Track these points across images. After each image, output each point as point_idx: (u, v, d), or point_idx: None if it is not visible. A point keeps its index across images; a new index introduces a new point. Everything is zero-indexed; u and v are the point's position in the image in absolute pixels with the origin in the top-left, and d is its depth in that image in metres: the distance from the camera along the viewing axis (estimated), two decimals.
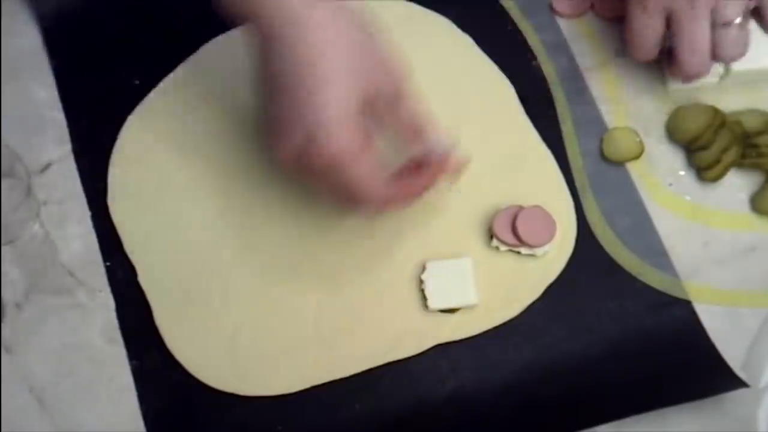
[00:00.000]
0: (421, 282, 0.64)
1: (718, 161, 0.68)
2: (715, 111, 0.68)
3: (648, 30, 0.66)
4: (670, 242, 0.66)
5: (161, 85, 0.71)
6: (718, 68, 0.70)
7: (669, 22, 0.65)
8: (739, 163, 0.68)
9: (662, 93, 0.71)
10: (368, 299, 0.65)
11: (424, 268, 0.64)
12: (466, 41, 0.73)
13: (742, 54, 0.66)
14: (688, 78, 0.66)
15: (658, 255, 0.66)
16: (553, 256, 0.65)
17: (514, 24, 0.74)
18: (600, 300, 0.65)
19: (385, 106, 0.57)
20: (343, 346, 0.63)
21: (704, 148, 0.68)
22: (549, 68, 0.72)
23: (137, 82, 0.71)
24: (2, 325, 0.64)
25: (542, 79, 0.72)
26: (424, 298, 0.64)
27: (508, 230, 0.65)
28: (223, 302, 0.65)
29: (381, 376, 0.63)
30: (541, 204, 0.65)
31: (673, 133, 0.70)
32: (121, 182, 0.68)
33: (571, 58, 0.72)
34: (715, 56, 0.66)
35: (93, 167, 0.69)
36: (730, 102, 0.70)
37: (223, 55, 0.72)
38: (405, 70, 0.58)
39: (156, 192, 0.68)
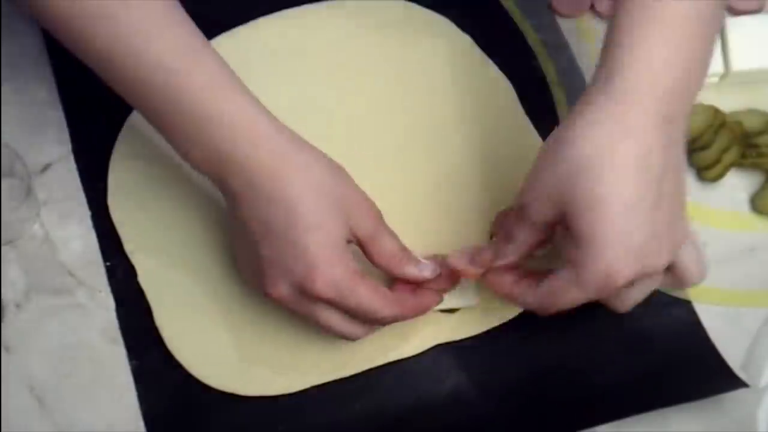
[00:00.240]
0: None
1: (718, 161, 0.68)
2: (715, 111, 0.69)
3: None
4: None
5: None
6: (718, 68, 0.70)
7: None
8: (739, 163, 0.68)
9: None
10: None
11: None
12: (466, 41, 0.73)
13: None
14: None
15: None
16: (554, 256, 0.65)
17: (514, 24, 0.74)
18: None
19: (363, 242, 0.58)
20: (343, 346, 0.63)
21: (704, 148, 0.68)
22: (549, 68, 0.72)
23: None
24: (2, 325, 0.64)
25: (542, 79, 0.72)
26: None
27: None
28: (224, 302, 0.65)
29: (381, 376, 0.63)
30: None
31: None
32: (121, 182, 0.68)
33: (571, 58, 0.72)
34: None
35: (93, 167, 0.69)
36: (730, 102, 0.70)
37: (223, 54, 0.72)
38: (377, 208, 0.59)
39: (156, 192, 0.68)
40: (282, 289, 0.56)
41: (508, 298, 0.59)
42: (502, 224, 0.61)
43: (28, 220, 0.66)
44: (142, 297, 0.64)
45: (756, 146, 0.68)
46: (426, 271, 0.60)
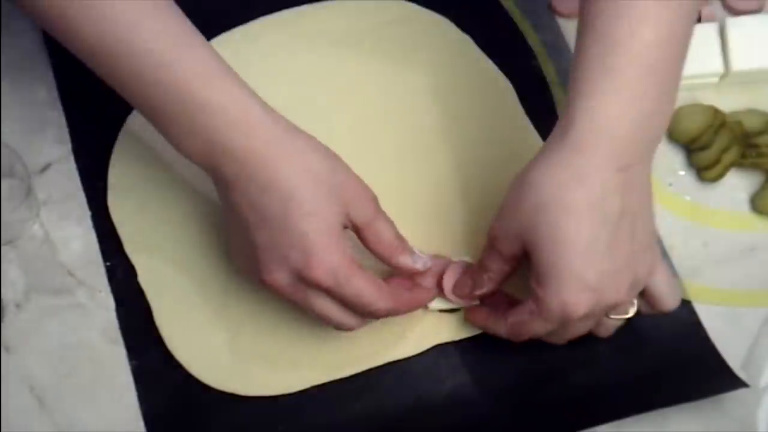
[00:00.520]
0: None
1: (718, 161, 0.68)
2: (715, 111, 0.69)
3: None
4: (670, 242, 0.66)
5: None
6: (718, 68, 0.70)
7: None
8: (739, 163, 0.68)
9: None
10: None
11: None
12: (466, 41, 0.73)
13: None
14: None
15: None
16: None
17: (514, 24, 0.74)
18: None
19: (360, 228, 0.58)
20: (343, 346, 0.63)
21: (704, 148, 0.68)
22: (549, 68, 0.72)
23: None
24: (2, 325, 0.64)
25: (542, 79, 0.72)
26: None
27: None
28: (223, 302, 0.65)
29: (381, 376, 0.63)
30: None
31: (673, 133, 0.70)
32: (121, 182, 0.68)
33: (571, 58, 0.72)
34: None
35: (93, 167, 0.69)
36: (730, 102, 0.70)
37: (223, 54, 0.72)
38: (373, 193, 0.59)
39: (156, 192, 0.68)
40: (278, 276, 0.56)
41: (484, 329, 0.63)
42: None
43: (28, 220, 0.66)
44: (142, 297, 0.64)
45: (756, 146, 0.68)
46: (419, 263, 0.60)
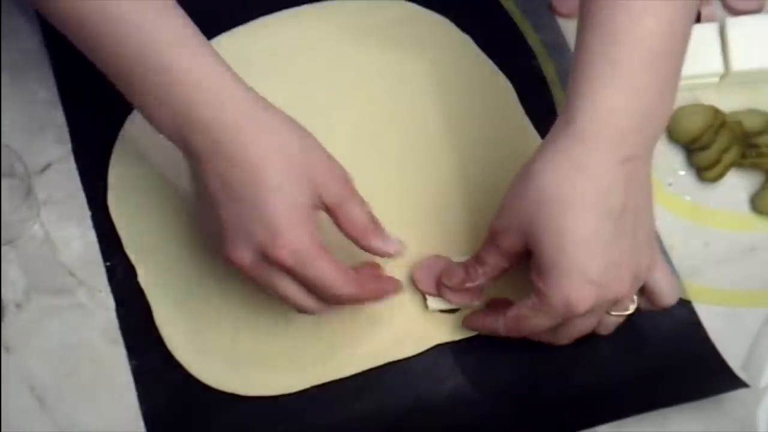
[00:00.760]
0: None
1: (718, 161, 0.68)
2: (715, 111, 0.69)
3: None
4: (670, 242, 0.66)
5: None
6: (718, 68, 0.70)
7: None
8: (739, 163, 0.68)
9: None
10: None
11: None
12: (466, 41, 0.73)
13: None
14: None
15: None
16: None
17: (514, 24, 0.74)
18: None
19: (332, 208, 0.57)
20: (343, 346, 0.63)
21: (704, 148, 0.68)
22: (549, 68, 0.72)
23: None
24: (2, 325, 0.64)
25: (542, 79, 0.72)
26: (424, 298, 0.64)
27: None
28: (223, 302, 0.65)
29: (381, 376, 0.63)
30: None
31: (673, 133, 0.70)
32: (121, 182, 0.68)
33: (571, 58, 0.72)
34: None
35: (93, 167, 0.69)
36: (730, 102, 0.70)
37: (223, 54, 0.72)
38: (347, 174, 0.59)
39: (156, 192, 0.68)
40: (242, 254, 0.55)
41: (481, 329, 0.62)
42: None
43: (28, 220, 0.66)
44: (142, 297, 0.64)
45: (756, 146, 0.68)
46: (391, 246, 0.59)
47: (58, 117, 0.70)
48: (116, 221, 0.67)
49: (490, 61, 0.72)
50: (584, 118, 0.55)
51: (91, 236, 0.67)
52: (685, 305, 0.64)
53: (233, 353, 0.63)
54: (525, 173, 0.57)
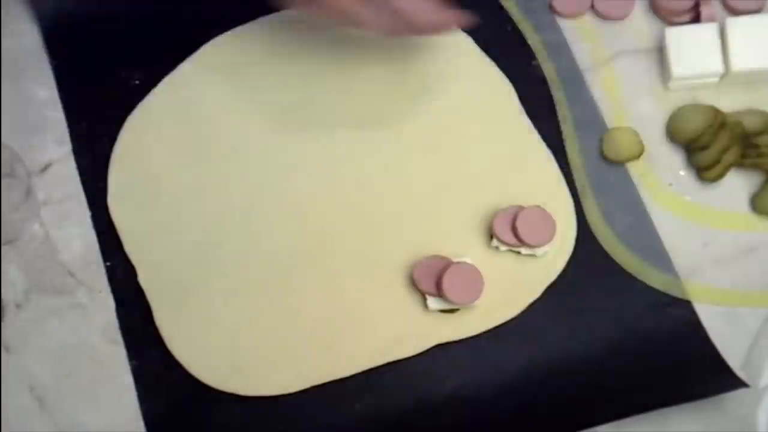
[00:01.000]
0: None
1: (717, 161, 0.68)
2: (716, 111, 0.68)
3: None
4: (670, 242, 0.66)
5: (161, 84, 0.71)
6: (718, 68, 0.70)
7: None
8: (739, 163, 0.68)
9: (662, 93, 0.71)
10: (368, 299, 0.65)
11: None
12: (466, 41, 0.73)
13: None
14: None
15: (658, 255, 0.66)
16: (553, 256, 0.65)
17: (514, 24, 0.74)
18: (600, 300, 0.65)
19: None
20: (343, 346, 0.63)
21: (704, 148, 0.68)
22: (549, 68, 0.72)
23: (137, 82, 0.71)
24: (2, 325, 0.64)
25: (542, 80, 0.72)
26: (424, 298, 0.64)
27: (508, 230, 0.65)
28: (223, 302, 0.65)
29: (381, 376, 0.63)
30: (541, 204, 0.65)
31: (673, 133, 0.70)
32: (121, 182, 0.68)
33: (571, 58, 0.72)
34: None
35: (93, 167, 0.69)
36: (730, 102, 0.70)
37: (224, 54, 0.72)
38: None
39: (156, 192, 0.68)
40: None
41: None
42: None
43: (28, 220, 0.66)
44: (142, 297, 0.65)
45: (756, 146, 0.68)
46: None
47: (58, 117, 0.70)
48: (116, 221, 0.67)
49: (490, 61, 0.72)
50: None
51: (91, 236, 0.67)
52: (684, 305, 0.64)
53: (233, 353, 0.63)
54: None
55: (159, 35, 0.73)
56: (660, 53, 0.72)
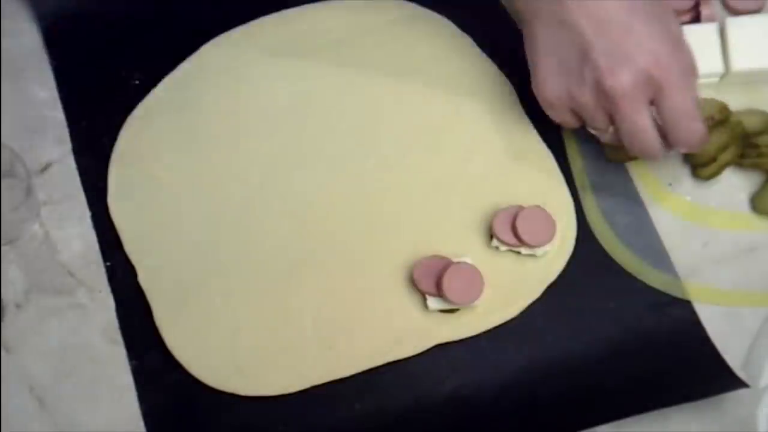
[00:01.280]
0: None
1: (713, 159, 0.67)
2: (719, 105, 0.68)
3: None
4: (670, 242, 0.66)
5: (161, 84, 0.71)
6: (718, 68, 0.70)
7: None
8: (739, 164, 0.68)
9: None
10: (368, 299, 0.65)
11: None
12: (466, 41, 0.73)
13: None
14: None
15: (658, 255, 0.66)
16: (553, 256, 0.65)
17: (514, 24, 0.74)
18: (600, 300, 0.65)
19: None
20: (343, 346, 0.63)
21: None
22: None
23: (137, 81, 0.71)
24: (2, 325, 0.64)
25: None
26: (424, 298, 0.64)
27: (508, 230, 0.65)
28: (223, 302, 0.65)
29: (381, 376, 0.63)
30: (541, 204, 0.65)
31: None
32: (121, 182, 0.68)
33: None
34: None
35: (93, 167, 0.69)
36: (730, 102, 0.70)
37: (223, 55, 0.72)
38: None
39: (156, 192, 0.68)
40: (624, 78, 0.58)
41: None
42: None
43: (28, 220, 0.66)
44: (142, 297, 0.65)
45: (756, 146, 0.68)
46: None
47: (58, 117, 0.70)
48: (116, 221, 0.67)
49: (490, 61, 0.72)
50: None
51: (91, 236, 0.67)
52: (684, 305, 0.64)
53: (233, 353, 0.63)
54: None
55: (159, 35, 0.73)
56: None
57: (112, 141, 0.69)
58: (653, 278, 0.65)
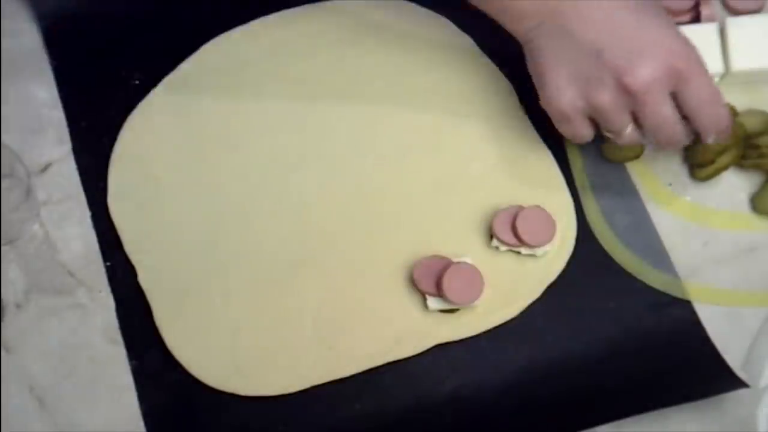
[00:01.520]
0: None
1: (712, 161, 0.67)
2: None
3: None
4: (670, 242, 0.66)
5: (161, 84, 0.71)
6: (718, 68, 0.70)
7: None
8: (740, 164, 0.68)
9: None
10: (368, 299, 0.65)
11: None
12: (466, 41, 0.73)
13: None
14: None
15: (658, 255, 0.66)
16: (553, 256, 0.65)
17: None
18: (600, 300, 0.65)
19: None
20: (343, 346, 0.63)
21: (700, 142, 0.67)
22: None
23: (137, 81, 0.71)
24: (2, 325, 0.64)
25: None
26: (424, 298, 0.64)
27: (508, 230, 0.65)
28: (223, 302, 0.65)
29: (381, 376, 0.63)
30: (541, 204, 0.65)
31: None
32: (121, 182, 0.68)
33: None
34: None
35: (93, 167, 0.69)
36: (730, 102, 0.70)
37: (223, 54, 0.72)
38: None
39: (156, 192, 0.68)
40: (645, 72, 0.58)
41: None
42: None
43: (28, 220, 0.66)
44: (142, 297, 0.65)
45: (756, 147, 0.68)
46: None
47: (58, 117, 0.70)
48: (116, 221, 0.67)
49: (490, 61, 0.72)
50: None
51: (91, 236, 0.67)
52: (684, 305, 0.64)
53: (233, 353, 0.63)
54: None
55: (159, 35, 0.73)
56: None
57: (112, 141, 0.69)
58: (653, 278, 0.65)
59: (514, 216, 0.65)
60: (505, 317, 0.64)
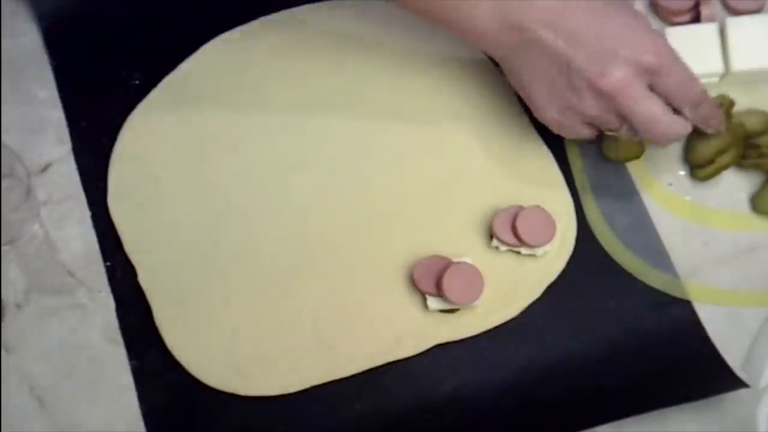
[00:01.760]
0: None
1: (712, 161, 0.67)
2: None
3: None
4: (670, 242, 0.66)
5: (161, 84, 0.71)
6: (718, 68, 0.70)
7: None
8: (740, 164, 0.68)
9: None
10: (368, 299, 0.65)
11: None
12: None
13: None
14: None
15: (658, 255, 0.66)
16: (553, 256, 0.65)
17: None
18: (600, 300, 0.65)
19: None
20: (343, 346, 0.63)
21: (701, 140, 0.67)
22: None
23: (137, 81, 0.71)
24: (2, 325, 0.64)
25: None
26: (424, 298, 0.64)
27: (508, 230, 0.65)
28: (223, 302, 0.65)
29: (381, 376, 0.63)
30: (541, 204, 0.65)
31: None
32: (121, 182, 0.68)
33: None
34: None
35: (93, 167, 0.69)
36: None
37: (223, 54, 0.72)
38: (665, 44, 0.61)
39: (156, 192, 0.68)
40: (616, 74, 0.58)
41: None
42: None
43: (28, 220, 0.66)
44: (142, 297, 0.65)
45: (757, 147, 0.68)
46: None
47: (58, 117, 0.70)
48: (116, 221, 0.67)
49: (490, 62, 0.72)
50: None
51: (91, 236, 0.67)
52: (684, 305, 0.64)
53: (233, 353, 0.63)
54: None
55: (159, 35, 0.73)
56: None
57: (112, 141, 0.69)
58: (653, 278, 0.65)
59: (514, 216, 0.65)
60: (505, 317, 0.64)
